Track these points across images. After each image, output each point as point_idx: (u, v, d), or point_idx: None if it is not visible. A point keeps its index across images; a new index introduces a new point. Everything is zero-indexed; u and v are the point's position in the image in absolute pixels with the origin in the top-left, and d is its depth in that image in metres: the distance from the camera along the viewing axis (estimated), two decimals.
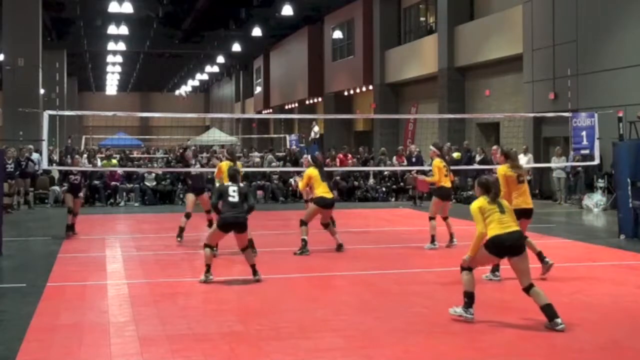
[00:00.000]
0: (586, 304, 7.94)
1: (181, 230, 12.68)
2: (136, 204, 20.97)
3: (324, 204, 11.42)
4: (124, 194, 21.32)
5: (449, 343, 6.42)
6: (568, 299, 8.15)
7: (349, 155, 24.99)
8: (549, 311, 6.79)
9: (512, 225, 6.98)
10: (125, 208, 20.33)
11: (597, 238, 13.42)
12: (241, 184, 9.54)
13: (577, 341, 6.50)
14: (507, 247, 6.90)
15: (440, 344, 6.38)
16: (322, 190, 11.41)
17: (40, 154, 18.39)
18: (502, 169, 9.19)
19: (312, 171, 11.53)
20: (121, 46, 39.93)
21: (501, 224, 6.92)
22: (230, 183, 9.40)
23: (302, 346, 6.28)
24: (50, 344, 6.42)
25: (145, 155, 33.63)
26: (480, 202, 7.11)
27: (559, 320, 6.74)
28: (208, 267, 9.12)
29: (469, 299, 7.04)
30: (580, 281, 9.25)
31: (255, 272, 9.17)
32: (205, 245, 9.24)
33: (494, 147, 10.33)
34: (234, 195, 9.22)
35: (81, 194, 14.48)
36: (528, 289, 6.92)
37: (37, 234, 14.37)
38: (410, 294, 8.50)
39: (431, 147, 12.72)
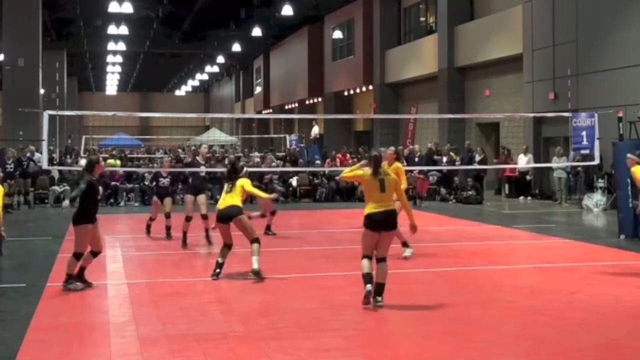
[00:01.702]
0: (586, 304, 7.94)
1: (184, 235, 12.49)
2: (136, 204, 20.97)
3: None
4: (124, 194, 21.32)
5: (449, 343, 6.42)
6: (568, 299, 8.16)
7: (348, 155, 24.96)
8: (379, 288, 7.64)
9: (387, 205, 7.74)
10: (126, 208, 20.32)
11: (597, 238, 13.41)
12: None
13: (577, 341, 6.50)
14: (379, 222, 7.66)
15: (440, 344, 6.38)
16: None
17: (41, 154, 18.38)
18: (399, 165, 10.83)
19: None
20: (121, 46, 39.91)
21: (377, 203, 7.68)
22: None
23: (302, 346, 6.28)
24: (50, 344, 6.42)
25: (146, 155, 33.65)
26: (368, 175, 7.83)
27: (379, 298, 7.60)
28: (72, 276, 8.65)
29: (365, 280, 7.62)
30: (580, 281, 9.25)
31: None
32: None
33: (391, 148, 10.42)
34: None
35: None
36: (381, 260, 7.71)
37: (37, 234, 14.38)
38: (410, 293, 8.51)
39: (629, 155, 10.96)
